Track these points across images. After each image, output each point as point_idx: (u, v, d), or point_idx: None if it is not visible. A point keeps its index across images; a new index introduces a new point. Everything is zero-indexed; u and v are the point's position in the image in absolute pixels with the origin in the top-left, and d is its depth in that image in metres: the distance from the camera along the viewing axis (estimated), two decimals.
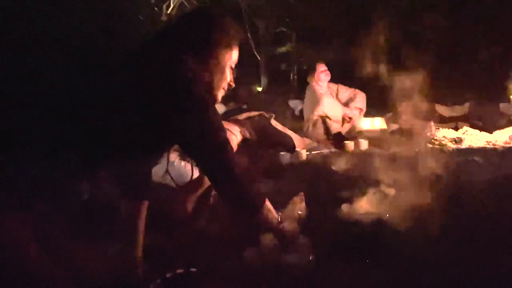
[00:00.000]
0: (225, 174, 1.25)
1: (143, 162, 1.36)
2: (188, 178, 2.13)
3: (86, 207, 1.20)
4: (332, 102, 4.45)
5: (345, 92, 4.63)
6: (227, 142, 1.25)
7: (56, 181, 1.12)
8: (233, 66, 1.38)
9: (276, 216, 1.42)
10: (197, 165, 1.40)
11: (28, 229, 1.10)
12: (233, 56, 1.37)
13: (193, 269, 1.49)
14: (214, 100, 1.34)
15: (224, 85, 1.37)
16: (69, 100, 1.20)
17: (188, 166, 2.38)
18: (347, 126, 4.53)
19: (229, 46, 1.34)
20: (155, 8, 12.11)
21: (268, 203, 1.40)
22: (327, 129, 4.46)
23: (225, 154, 1.25)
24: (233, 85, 1.40)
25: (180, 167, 2.38)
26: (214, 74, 1.32)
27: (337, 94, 4.64)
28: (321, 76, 4.52)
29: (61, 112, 1.17)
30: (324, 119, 4.44)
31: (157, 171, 2.49)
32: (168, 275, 1.45)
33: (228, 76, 1.37)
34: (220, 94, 1.37)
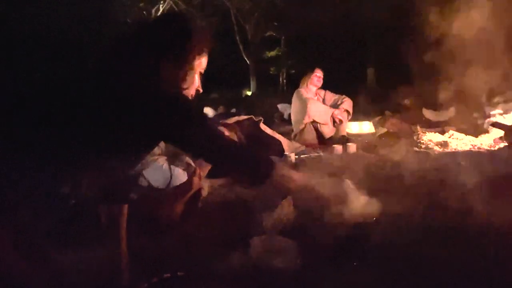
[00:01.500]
0: (228, 155, 1.29)
1: (122, 165, 1.34)
2: (177, 182, 2.12)
3: (69, 212, 1.19)
4: (318, 107, 4.47)
5: (333, 97, 4.66)
6: (217, 129, 1.28)
7: (35, 186, 1.11)
8: (202, 72, 1.39)
9: (294, 175, 1.42)
10: (195, 156, 1.40)
11: (10, 235, 1.08)
12: (203, 62, 1.38)
13: (181, 273, 1.48)
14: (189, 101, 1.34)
15: (193, 91, 1.38)
16: (49, 103, 1.18)
17: (177, 170, 2.37)
18: (338, 128, 4.52)
19: (200, 53, 1.35)
20: (144, 12, 12.09)
21: (280, 165, 1.41)
22: (318, 133, 4.47)
23: (221, 139, 1.31)
24: (201, 90, 1.40)
25: (168, 171, 2.36)
26: (185, 80, 1.32)
27: (324, 100, 4.67)
28: (314, 79, 4.57)
29: (41, 115, 1.16)
30: (314, 124, 4.46)
31: (148, 175, 2.47)
32: (155, 280, 1.44)
33: (197, 82, 1.38)
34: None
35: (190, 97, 1.37)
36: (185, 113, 1.22)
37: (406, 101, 5.89)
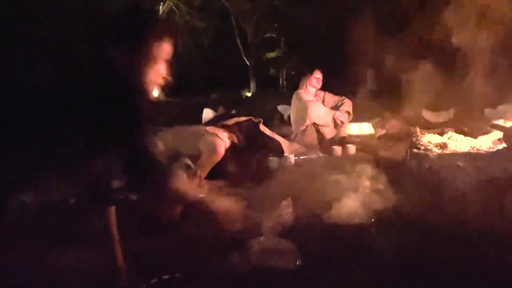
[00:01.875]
0: (142, 160, 1.28)
1: (97, 162, 1.32)
2: None
3: (68, 212, 1.18)
4: (319, 109, 4.46)
5: (332, 98, 4.66)
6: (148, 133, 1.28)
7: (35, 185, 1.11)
8: (169, 59, 1.38)
9: (189, 190, 1.45)
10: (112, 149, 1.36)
11: (10, 235, 1.08)
12: (166, 49, 1.36)
13: (178, 275, 1.48)
14: (144, 92, 1.33)
15: (158, 78, 1.37)
16: (49, 102, 1.18)
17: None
18: (339, 129, 4.50)
19: (158, 39, 1.34)
20: None
21: (178, 179, 1.42)
22: (319, 135, 4.47)
23: (145, 141, 1.27)
24: (169, 78, 1.39)
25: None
26: (145, 67, 1.32)
27: (323, 101, 4.67)
28: (313, 81, 4.56)
29: (41, 115, 1.16)
30: (316, 126, 4.45)
31: None
32: (153, 281, 1.43)
33: (162, 69, 1.36)
34: (153, 87, 1.36)
35: (155, 84, 1.36)
36: (131, 107, 1.20)
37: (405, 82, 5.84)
